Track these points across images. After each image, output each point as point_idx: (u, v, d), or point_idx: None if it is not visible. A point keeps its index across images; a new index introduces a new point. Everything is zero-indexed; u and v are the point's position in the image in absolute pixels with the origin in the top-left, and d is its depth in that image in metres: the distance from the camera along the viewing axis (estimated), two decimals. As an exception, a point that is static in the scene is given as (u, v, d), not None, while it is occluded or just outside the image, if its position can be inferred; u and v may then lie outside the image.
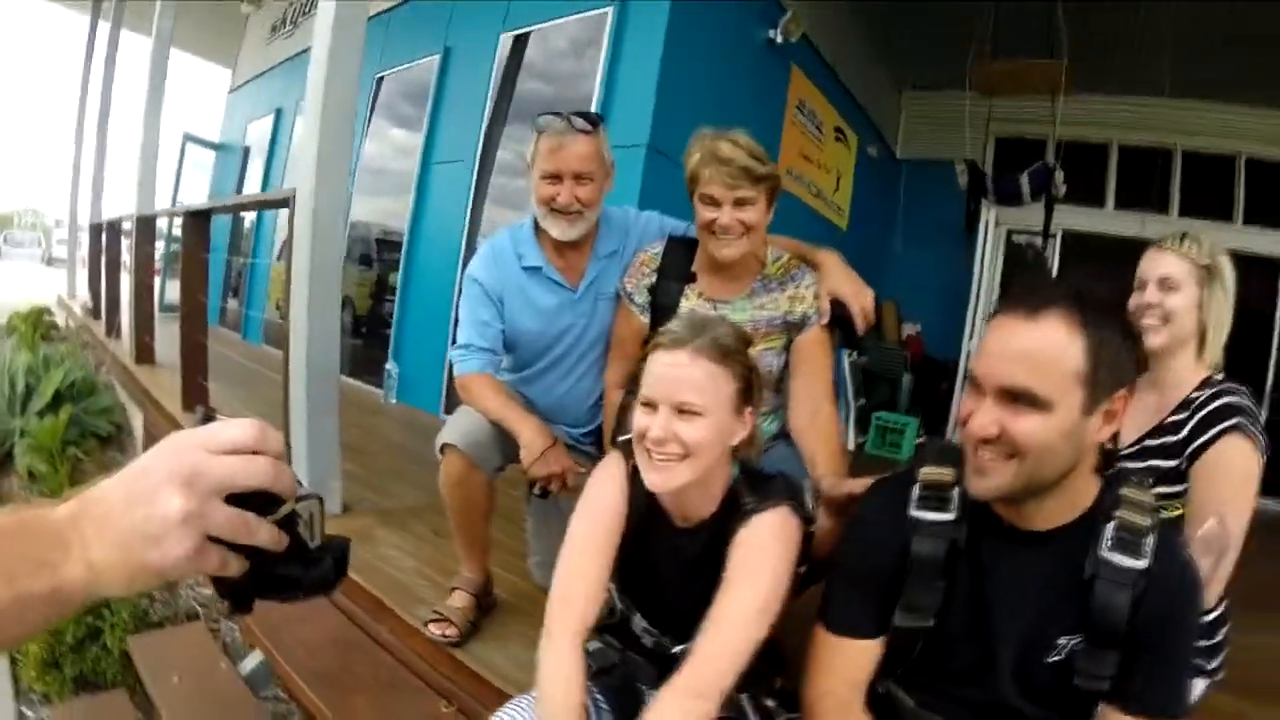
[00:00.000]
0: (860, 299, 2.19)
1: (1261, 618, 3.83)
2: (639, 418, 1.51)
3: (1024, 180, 7.17)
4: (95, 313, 8.87)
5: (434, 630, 2.41)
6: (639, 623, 1.73)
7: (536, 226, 2.45)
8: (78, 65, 11.47)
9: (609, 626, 1.79)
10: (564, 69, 5.82)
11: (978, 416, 1.30)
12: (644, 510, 1.63)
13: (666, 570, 1.65)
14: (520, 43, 6.07)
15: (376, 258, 7.72)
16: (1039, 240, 8.09)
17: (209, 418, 0.70)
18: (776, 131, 6.77)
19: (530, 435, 2.21)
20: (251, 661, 2.67)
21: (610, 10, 5.19)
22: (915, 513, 1.44)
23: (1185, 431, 1.86)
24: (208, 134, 12.72)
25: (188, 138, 12.42)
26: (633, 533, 1.64)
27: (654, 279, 2.29)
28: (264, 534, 0.67)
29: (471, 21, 6.58)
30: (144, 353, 6.36)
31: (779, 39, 6.28)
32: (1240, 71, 7.86)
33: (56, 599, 0.61)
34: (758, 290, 2.23)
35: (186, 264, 5.06)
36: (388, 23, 7.59)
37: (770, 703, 1.63)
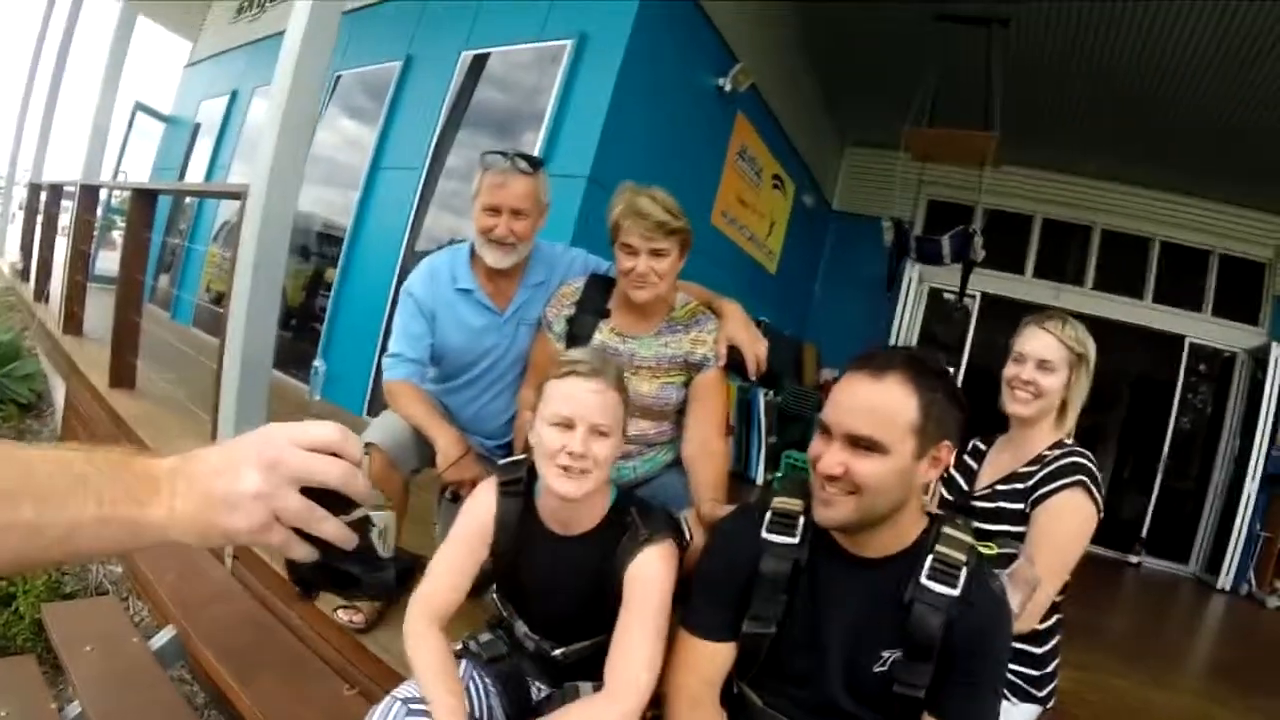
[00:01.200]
0: (753, 348, 2.44)
1: (1127, 665, 4.25)
2: (554, 436, 1.71)
3: (945, 243, 7.53)
4: (24, 275, 8.68)
5: (342, 616, 2.57)
6: (521, 628, 1.94)
7: (473, 252, 2.67)
8: (36, 17, 11.26)
9: (498, 625, 2.01)
10: (523, 81, 5.93)
11: (826, 457, 1.53)
12: (518, 525, 1.86)
13: (548, 578, 1.86)
14: (480, 59, 6.22)
15: (315, 251, 7.63)
16: (956, 298, 8.50)
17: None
18: (716, 174, 7.04)
19: (446, 443, 2.43)
20: (163, 637, 2.80)
21: (569, 44, 5.39)
22: (766, 535, 1.68)
23: (1033, 481, 2.12)
24: (159, 104, 12.49)
25: (139, 106, 12.21)
26: (511, 547, 1.87)
27: (573, 311, 2.52)
28: (330, 529, 0.78)
29: (435, 35, 6.72)
30: (72, 322, 6.26)
31: (728, 88, 6.54)
32: (1160, 161, 8.52)
33: (134, 529, 0.73)
34: (664, 330, 2.46)
35: (129, 242, 5.06)
36: (353, 23, 7.64)
37: None
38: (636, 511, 1.83)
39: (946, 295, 9.69)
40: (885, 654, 1.56)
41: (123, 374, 4.92)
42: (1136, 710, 3.66)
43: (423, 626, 1.76)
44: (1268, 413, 8.12)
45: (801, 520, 1.67)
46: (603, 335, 2.47)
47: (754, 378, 2.50)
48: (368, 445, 2.49)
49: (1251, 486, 8.15)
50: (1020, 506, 2.13)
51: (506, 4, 6.16)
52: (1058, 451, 2.16)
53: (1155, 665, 4.64)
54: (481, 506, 1.89)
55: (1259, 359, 8.53)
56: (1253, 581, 8.09)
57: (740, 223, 7.78)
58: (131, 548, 0.76)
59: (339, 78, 7.66)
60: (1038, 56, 7.13)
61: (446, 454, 2.41)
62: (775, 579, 1.65)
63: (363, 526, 0.82)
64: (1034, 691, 2.14)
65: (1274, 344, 8.24)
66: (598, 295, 2.53)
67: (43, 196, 8.71)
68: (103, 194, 8.55)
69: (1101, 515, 2.08)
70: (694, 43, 6.13)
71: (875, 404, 1.51)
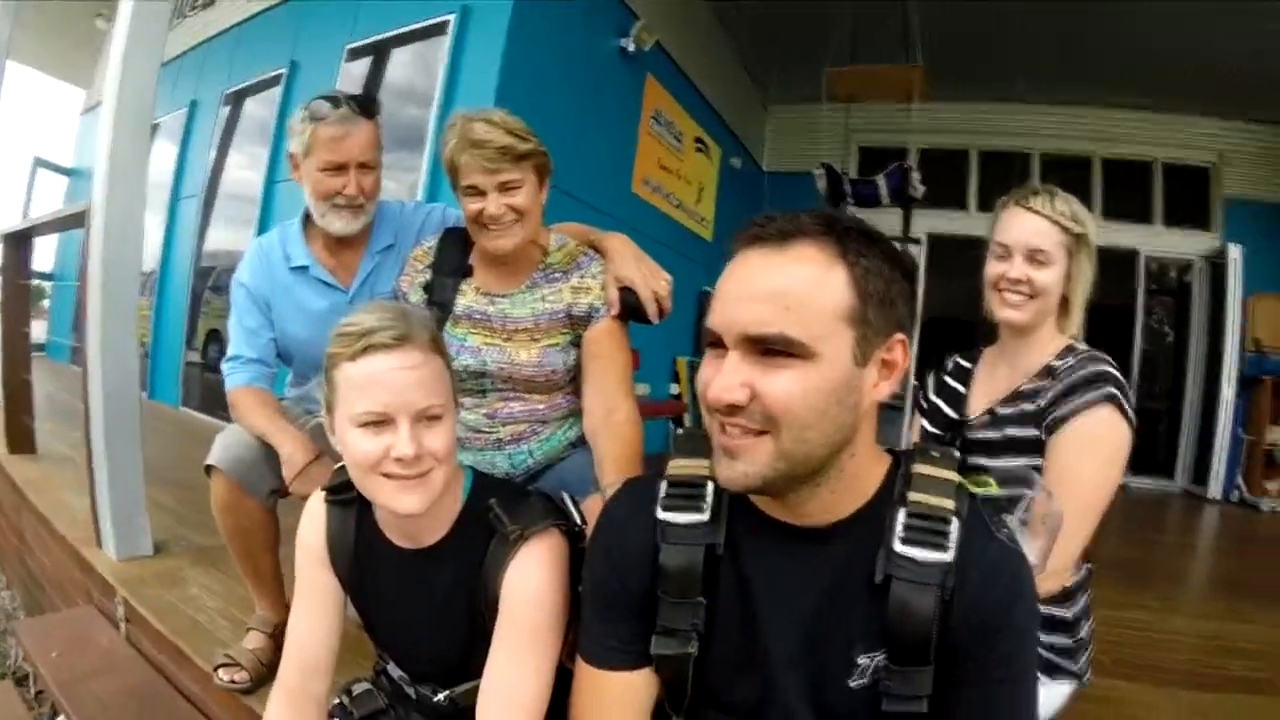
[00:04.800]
0: (651, 283, 1.99)
1: (1135, 593, 4.00)
2: (366, 441, 1.26)
3: (881, 182, 7.31)
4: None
5: (222, 676, 2.16)
6: (394, 670, 1.54)
7: (305, 222, 2.27)
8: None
9: (379, 671, 1.62)
10: (425, 71, 5.54)
11: (719, 379, 1.00)
12: (356, 542, 1.44)
13: (403, 604, 1.45)
14: (380, 56, 5.90)
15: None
16: (901, 242, 8.22)
17: None
18: (631, 140, 6.78)
19: (291, 449, 2.02)
20: (53, 722, 2.48)
21: (452, 17, 5.10)
22: (662, 515, 1.17)
23: (1046, 400, 1.67)
24: (63, 159, 12.04)
25: (38, 161, 11.78)
26: (354, 571, 1.45)
27: (429, 275, 2.09)
28: None
29: (318, 33, 6.42)
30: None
31: (631, 47, 6.24)
32: (1091, 78, 8.34)
33: None
34: (539, 281, 2.04)
35: (7, 293, 4.66)
36: (237, 37, 7.42)
37: None
38: (498, 503, 1.36)
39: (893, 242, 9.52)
40: (862, 660, 1.07)
41: (20, 438, 4.59)
42: (1161, 642, 3.36)
43: (273, 699, 1.47)
44: (1234, 314, 8.08)
45: (710, 486, 1.16)
46: (466, 298, 2.04)
47: (656, 320, 2.03)
48: (208, 468, 2.10)
49: (1229, 391, 8.11)
50: (1034, 432, 1.67)
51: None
52: (1071, 359, 1.70)
53: (1165, 589, 4.43)
54: (309, 530, 1.47)
55: (1216, 263, 8.50)
56: (1243, 487, 8.10)
57: (665, 189, 7.51)
58: None
59: (238, 97, 7.38)
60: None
61: (291, 461, 1.99)
62: (684, 575, 1.14)
63: None
64: (1068, 665, 1.68)
65: (1230, 245, 8.19)
66: (456, 252, 2.09)
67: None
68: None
69: (1135, 430, 1.62)
70: (588, 3, 5.84)
71: (782, 285, 0.98)
